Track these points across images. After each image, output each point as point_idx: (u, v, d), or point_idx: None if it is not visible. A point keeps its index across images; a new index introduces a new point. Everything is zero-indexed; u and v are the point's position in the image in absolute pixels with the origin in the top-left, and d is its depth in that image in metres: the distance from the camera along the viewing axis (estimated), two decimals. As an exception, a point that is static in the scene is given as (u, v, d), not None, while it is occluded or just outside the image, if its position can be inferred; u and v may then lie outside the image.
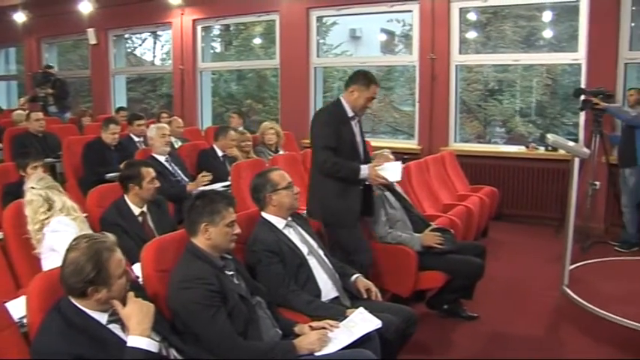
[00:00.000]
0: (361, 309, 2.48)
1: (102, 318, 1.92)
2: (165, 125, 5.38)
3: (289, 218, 2.93)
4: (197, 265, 2.32)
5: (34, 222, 2.91)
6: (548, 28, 7.66)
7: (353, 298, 2.83)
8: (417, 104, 7.12)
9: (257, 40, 10.84)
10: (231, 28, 11.03)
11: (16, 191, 3.57)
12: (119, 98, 10.16)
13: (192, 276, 2.25)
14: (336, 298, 2.81)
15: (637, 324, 3.57)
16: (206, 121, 9.07)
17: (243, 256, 2.73)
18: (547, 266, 4.84)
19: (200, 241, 2.38)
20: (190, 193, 4.23)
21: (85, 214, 3.17)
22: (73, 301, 1.89)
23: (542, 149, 6.47)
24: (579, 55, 6.19)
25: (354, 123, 3.50)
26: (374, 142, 6.41)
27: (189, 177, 4.97)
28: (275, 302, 2.57)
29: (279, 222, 2.88)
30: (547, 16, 7.32)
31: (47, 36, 10.78)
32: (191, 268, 2.30)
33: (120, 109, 8.45)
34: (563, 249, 4.22)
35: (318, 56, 7.96)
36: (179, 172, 4.94)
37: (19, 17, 10.29)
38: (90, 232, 2.86)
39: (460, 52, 6.86)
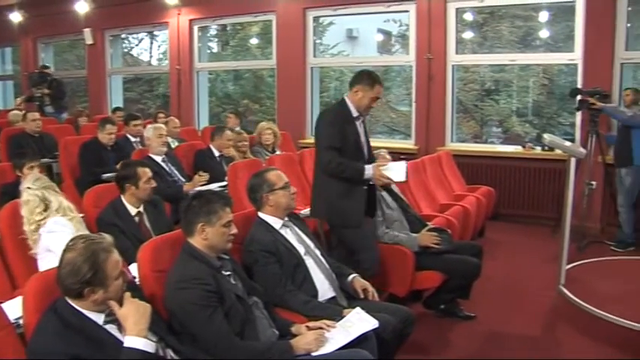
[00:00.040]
0: (358, 309, 2.49)
1: (98, 318, 1.91)
2: (162, 125, 5.38)
3: (286, 218, 2.93)
4: (194, 266, 2.31)
5: (31, 222, 2.90)
6: (544, 28, 7.67)
7: (350, 298, 2.83)
8: (413, 104, 7.13)
9: (254, 40, 10.83)
10: (228, 28, 11.02)
11: (12, 191, 3.57)
12: (116, 98, 10.14)
13: (189, 276, 2.25)
14: (333, 298, 2.80)
15: (633, 323, 3.58)
16: (203, 122, 9.06)
17: (240, 257, 2.73)
18: (544, 266, 4.85)
19: (197, 241, 2.38)
20: (187, 194, 4.23)
21: (81, 215, 3.16)
22: (70, 301, 1.89)
23: (538, 149, 6.49)
24: (575, 55, 6.21)
25: (358, 123, 3.49)
26: (371, 142, 6.39)
27: (185, 177, 4.97)
28: (272, 302, 2.56)
29: (275, 222, 2.88)
30: (543, 16, 7.34)
31: (43, 36, 10.75)
32: (188, 269, 2.30)
33: (116, 109, 8.46)
34: (560, 249, 4.23)
35: (314, 56, 7.96)
36: (176, 172, 4.94)
37: (15, 17, 10.27)
38: (86, 232, 2.86)
39: (457, 52, 6.88)
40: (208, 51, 10.24)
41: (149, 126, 5.27)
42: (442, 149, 6.62)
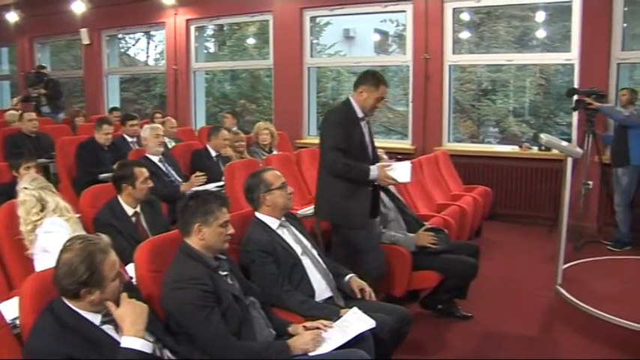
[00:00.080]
0: (355, 309, 2.48)
1: (95, 319, 1.91)
2: (159, 125, 5.37)
3: (283, 218, 2.92)
4: (191, 266, 2.31)
5: (27, 223, 2.89)
6: (541, 28, 7.70)
7: (347, 298, 2.83)
8: (410, 104, 7.13)
9: (250, 40, 10.83)
10: (225, 28, 11.02)
11: (8, 192, 3.55)
12: (112, 98, 10.12)
13: (185, 276, 2.25)
14: (330, 298, 2.81)
15: (630, 323, 3.59)
16: (200, 122, 9.04)
17: (237, 257, 2.73)
18: (540, 266, 4.85)
19: (194, 241, 2.38)
20: (184, 194, 4.22)
21: (78, 215, 3.15)
22: (66, 302, 1.89)
23: (535, 149, 6.49)
24: (572, 55, 6.22)
25: (363, 124, 3.48)
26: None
27: (182, 177, 4.97)
28: (269, 302, 2.56)
29: (272, 222, 2.88)
30: (540, 16, 7.36)
31: (40, 36, 10.72)
32: (185, 269, 2.30)
33: (113, 109, 8.44)
34: (557, 248, 4.24)
35: (311, 56, 7.95)
36: (172, 172, 4.94)
37: (12, 17, 10.23)
38: (83, 232, 2.85)
39: (454, 52, 6.88)
40: (205, 51, 10.24)
41: (146, 126, 5.26)
42: (439, 149, 6.62)
